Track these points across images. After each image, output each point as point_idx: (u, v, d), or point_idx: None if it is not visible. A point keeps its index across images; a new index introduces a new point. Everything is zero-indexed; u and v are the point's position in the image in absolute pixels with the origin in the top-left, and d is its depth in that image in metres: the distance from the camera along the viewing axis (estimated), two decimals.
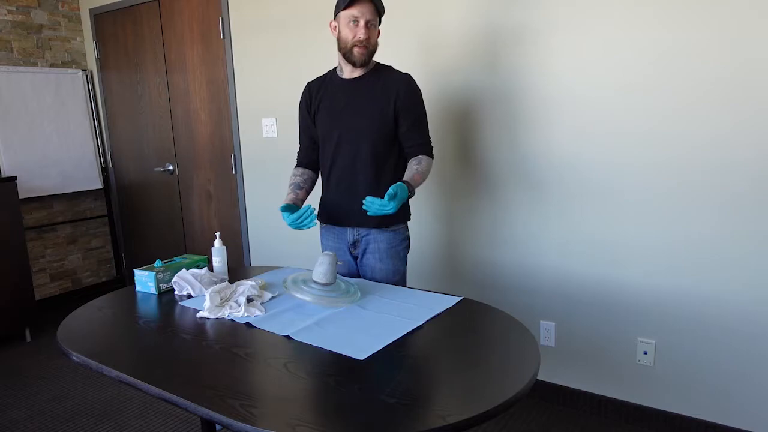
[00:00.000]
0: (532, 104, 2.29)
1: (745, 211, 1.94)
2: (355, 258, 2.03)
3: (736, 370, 2.04)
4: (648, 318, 2.18)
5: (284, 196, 3.18)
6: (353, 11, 1.79)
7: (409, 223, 2.58)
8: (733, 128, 1.92)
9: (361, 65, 1.87)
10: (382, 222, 1.92)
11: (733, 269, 1.99)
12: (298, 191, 2.01)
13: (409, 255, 2.67)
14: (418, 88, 1.93)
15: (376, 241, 1.95)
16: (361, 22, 1.79)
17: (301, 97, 2.04)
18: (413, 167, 1.86)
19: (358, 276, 2.04)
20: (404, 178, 1.82)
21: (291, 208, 1.85)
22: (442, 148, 2.55)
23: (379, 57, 2.61)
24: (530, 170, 2.34)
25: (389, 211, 1.67)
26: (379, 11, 1.83)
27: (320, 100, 1.98)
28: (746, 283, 1.98)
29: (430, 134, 1.97)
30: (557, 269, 2.35)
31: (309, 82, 2.04)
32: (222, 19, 3.23)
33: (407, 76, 1.92)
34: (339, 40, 1.86)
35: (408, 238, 2.03)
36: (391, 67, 1.96)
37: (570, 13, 2.15)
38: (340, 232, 2.02)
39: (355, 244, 2.00)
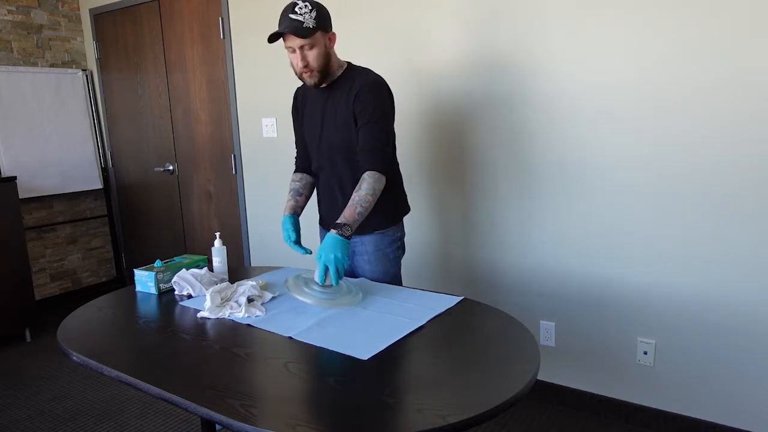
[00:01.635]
0: (530, 104, 2.28)
1: (745, 211, 1.94)
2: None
3: (736, 370, 2.04)
4: (648, 318, 2.18)
5: (285, 197, 3.18)
6: (285, 42, 1.72)
7: (407, 224, 2.57)
8: (733, 127, 1.91)
9: (317, 86, 1.80)
10: (364, 229, 1.86)
11: (734, 269, 1.99)
12: (297, 198, 1.99)
13: (408, 255, 2.66)
14: (382, 91, 1.79)
15: (363, 244, 1.93)
16: (297, 51, 1.72)
17: (292, 104, 2.02)
18: (352, 198, 1.72)
19: (354, 275, 2.01)
20: (338, 219, 1.68)
21: (291, 223, 1.86)
22: (441, 149, 2.55)
23: (372, 58, 2.60)
24: (530, 170, 2.34)
25: (333, 280, 1.61)
26: (305, 34, 1.68)
27: (304, 106, 1.96)
28: (746, 282, 1.98)
29: (386, 142, 1.79)
30: (557, 269, 2.35)
31: (297, 88, 2.00)
32: (222, 19, 3.23)
33: (371, 79, 1.80)
34: (291, 65, 1.79)
35: (400, 239, 1.98)
36: (362, 71, 1.84)
37: (568, 13, 2.15)
38: None
39: None
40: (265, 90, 3.14)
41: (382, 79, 1.83)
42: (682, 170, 2.03)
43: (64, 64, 4.00)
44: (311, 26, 1.69)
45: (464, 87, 2.44)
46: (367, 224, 1.84)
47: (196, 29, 3.39)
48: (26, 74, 3.71)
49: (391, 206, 1.93)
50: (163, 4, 3.52)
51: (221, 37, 3.25)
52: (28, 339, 3.43)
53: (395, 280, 1.98)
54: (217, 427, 2.01)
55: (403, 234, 2.01)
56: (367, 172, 1.75)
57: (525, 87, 2.28)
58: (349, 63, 1.87)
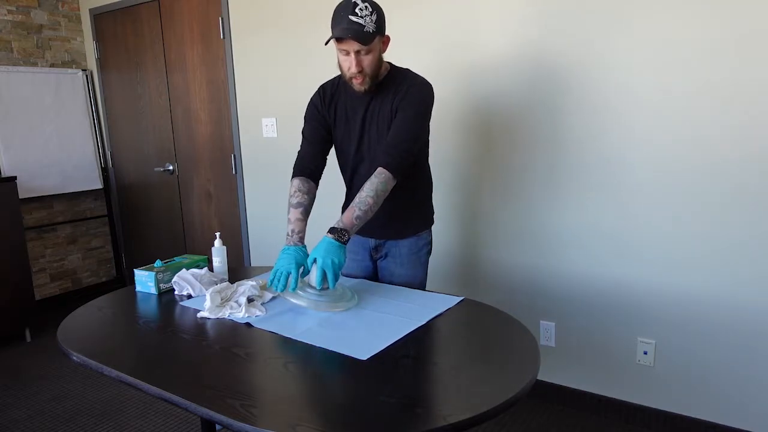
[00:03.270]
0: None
1: (746, 211, 1.94)
2: (376, 261, 1.95)
3: (736, 370, 2.04)
4: (648, 318, 2.18)
5: (285, 197, 3.16)
6: (340, 44, 1.61)
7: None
8: (731, 128, 1.91)
9: (366, 92, 1.71)
10: (403, 233, 1.85)
11: (734, 269, 1.99)
12: (304, 219, 1.75)
13: None
14: (427, 92, 1.71)
15: (398, 246, 1.88)
16: (352, 55, 1.61)
17: (312, 99, 1.85)
18: (355, 199, 1.64)
19: (376, 278, 1.95)
20: (336, 223, 1.60)
21: (300, 258, 1.63)
22: (447, 149, 2.55)
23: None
24: (534, 172, 2.34)
25: (330, 285, 1.54)
26: (366, 41, 1.58)
27: (335, 106, 1.82)
28: (747, 282, 1.98)
29: (413, 142, 1.69)
30: (557, 269, 2.35)
31: (323, 84, 1.86)
32: (222, 19, 3.23)
33: (418, 81, 1.72)
34: (339, 66, 1.70)
35: (430, 243, 1.94)
36: (409, 73, 1.75)
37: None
38: (361, 238, 1.93)
39: (377, 248, 1.92)
40: (265, 90, 3.13)
41: (429, 82, 1.75)
42: (683, 171, 2.03)
43: (64, 64, 4.00)
44: (371, 30, 1.58)
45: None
46: (407, 228, 1.84)
47: (196, 29, 3.39)
48: (26, 74, 3.71)
49: (427, 210, 1.93)
50: (163, 4, 3.52)
51: (221, 37, 3.25)
52: (28, 339, 3.43)
53: (422, 284, 1.92)
54: (217, 427, 2.01)
55: (432, 238, 1.97)
56: (377, 170, 1.66)
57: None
58: (391, 64, 1.78)
